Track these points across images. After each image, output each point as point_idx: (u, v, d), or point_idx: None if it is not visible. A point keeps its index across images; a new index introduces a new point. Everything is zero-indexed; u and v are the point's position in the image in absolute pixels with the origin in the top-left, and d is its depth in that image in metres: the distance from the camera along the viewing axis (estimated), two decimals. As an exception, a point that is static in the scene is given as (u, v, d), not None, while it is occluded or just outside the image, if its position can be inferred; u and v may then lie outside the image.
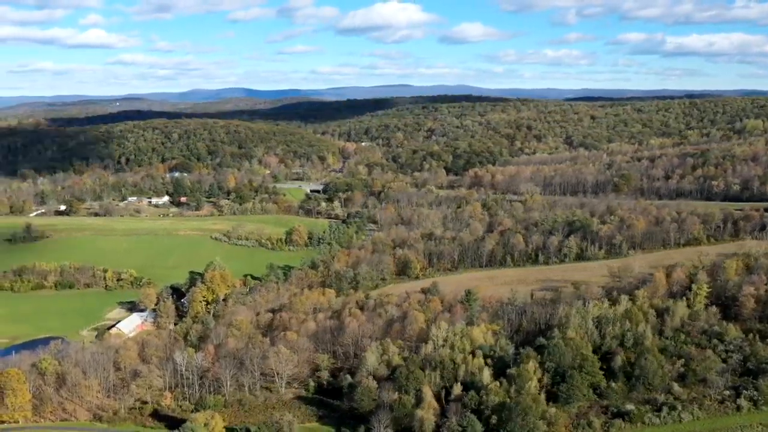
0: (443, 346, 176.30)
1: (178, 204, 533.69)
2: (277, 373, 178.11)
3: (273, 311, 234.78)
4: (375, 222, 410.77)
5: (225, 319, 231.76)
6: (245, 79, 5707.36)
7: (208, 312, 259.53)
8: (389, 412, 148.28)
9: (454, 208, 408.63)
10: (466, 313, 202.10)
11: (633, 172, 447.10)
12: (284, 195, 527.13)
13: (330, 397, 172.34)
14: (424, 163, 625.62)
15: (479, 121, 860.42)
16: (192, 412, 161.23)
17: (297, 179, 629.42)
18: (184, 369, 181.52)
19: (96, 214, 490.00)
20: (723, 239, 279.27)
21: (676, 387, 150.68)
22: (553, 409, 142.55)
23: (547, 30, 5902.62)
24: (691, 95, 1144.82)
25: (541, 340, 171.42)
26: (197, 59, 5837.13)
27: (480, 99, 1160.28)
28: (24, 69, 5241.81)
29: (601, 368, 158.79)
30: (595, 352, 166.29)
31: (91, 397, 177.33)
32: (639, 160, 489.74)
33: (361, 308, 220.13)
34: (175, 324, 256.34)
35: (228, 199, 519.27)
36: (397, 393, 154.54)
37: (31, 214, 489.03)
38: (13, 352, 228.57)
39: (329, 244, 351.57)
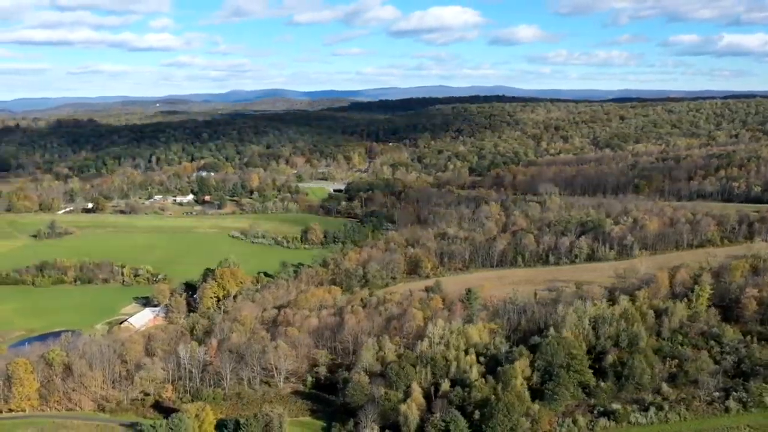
0: (439, 343, 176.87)
1: (203, 203, 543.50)
2: (276, 368, 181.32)
3: (279, 308, 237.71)
4: (393, 221, 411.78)
5: (231, 314, 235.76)
6: (292, 80, 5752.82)
7: (219, 308, 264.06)
8: (377, 407, 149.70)
9: (473, 208, 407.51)
10: (465, 312, 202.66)
11: (656, 172, 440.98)
12: (306, 194, 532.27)
13: (326, 392, 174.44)
14: (449, 163, 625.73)
15: (507, 121, 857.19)
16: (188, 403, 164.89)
17: (322, 179, 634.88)
18: (187, 362, 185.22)
19: (122, 212, 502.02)
20: (737, 241, 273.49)
21: (665, 387, 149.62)
22: (537, 407, 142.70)
23: (597, 32, 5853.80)
24: (732, 96, 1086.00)
25: (536, 339, 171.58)
26: (252, 62, 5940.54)
27: (513, 99, 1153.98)
28: (84, 71, 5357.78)
29: (593, 368, 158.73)
30: (589, 351, 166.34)
31: (96, 388, 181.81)
32: (664, 160, 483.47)
33: (364, 306, 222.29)
34: (185, 319, 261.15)
35: (250, 198, 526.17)
36: (386, 388, 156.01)
37: (59, 212, 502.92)
38: (26, 344, 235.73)
39: (343, 242, 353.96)
